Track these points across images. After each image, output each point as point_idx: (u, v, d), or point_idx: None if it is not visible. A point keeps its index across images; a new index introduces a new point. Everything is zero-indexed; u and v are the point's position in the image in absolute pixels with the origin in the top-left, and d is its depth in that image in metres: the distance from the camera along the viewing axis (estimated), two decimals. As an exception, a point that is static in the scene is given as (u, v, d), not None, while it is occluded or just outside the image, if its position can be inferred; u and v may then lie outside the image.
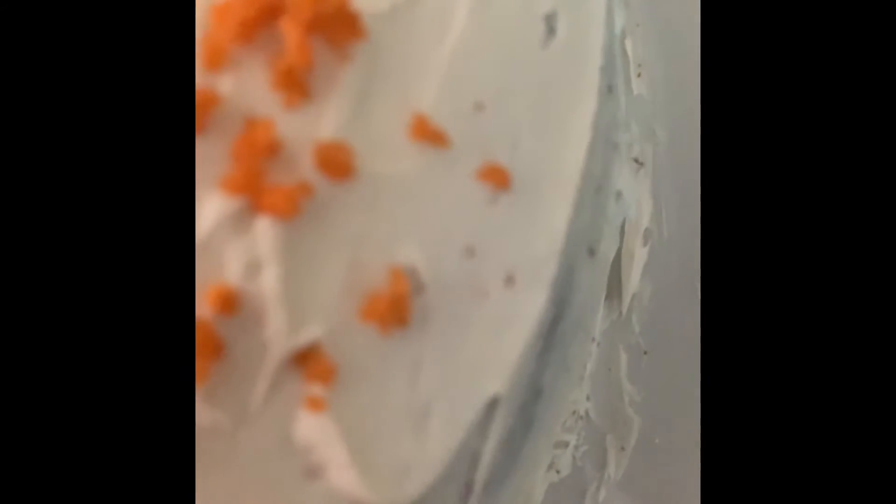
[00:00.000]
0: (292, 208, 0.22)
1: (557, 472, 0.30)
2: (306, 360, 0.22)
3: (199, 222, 0.22)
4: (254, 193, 0.22)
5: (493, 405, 0.24)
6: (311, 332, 0.22)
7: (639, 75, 0.31)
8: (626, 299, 0.31)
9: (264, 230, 0.22)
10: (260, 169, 0.22)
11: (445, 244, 0.23)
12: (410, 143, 0.23)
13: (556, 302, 0.25)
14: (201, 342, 0.21)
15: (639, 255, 0.31)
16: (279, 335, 0.22)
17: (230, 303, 0.22)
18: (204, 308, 0.22)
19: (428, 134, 0.23)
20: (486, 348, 0.24)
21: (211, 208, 0.22)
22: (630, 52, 0.30)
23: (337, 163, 0.23)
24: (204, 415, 0.22)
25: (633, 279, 0.31)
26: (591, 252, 0.27)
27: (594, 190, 0.27)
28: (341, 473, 0.22)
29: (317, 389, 0.22)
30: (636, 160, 0.30)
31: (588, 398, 0.31)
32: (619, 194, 0.29)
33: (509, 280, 0.24)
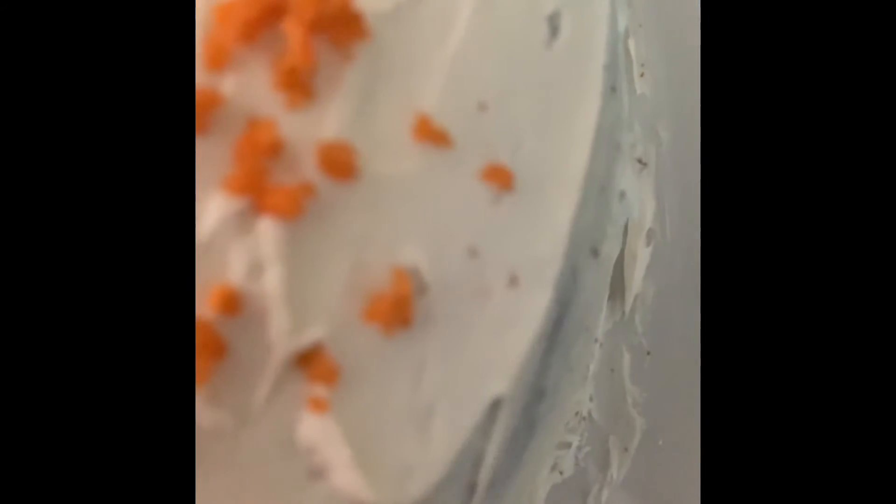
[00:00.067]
0: (295, 209, 0.22)
1: (560, 472, 0.30)
2: (309, 360, 0.22)
3: (201, 222, 0.22)
4: (256, 194, 0.22)
5: (496, 406, 0.24)
6: (313, 333, 0.22)
7: (642, 75, 0.31)
8: (630, 300, 0.31)
9: (267, 230, 0.22)
10: (263, 169, 0.22)
11: (448, 244, 0.23)
12: (414, 143, 0.23)
13: (559, 302, 0.25)
14: (204, 343, 0.21)
15: (642, 256, 0.31)
16: (282, 336, 0.22)
17: (233, 303, 0.22)
18: (206, 308, 0.22)
19: (431, 134, 0.23)
20: (490, 349, 0.24)
21: (213, 208, 0.22)
22: (633, 52, 0.30)
23: (340, 163, 0.23)
24: (206, 415, 0.22)
25: (637, 280, 0.31)
26: (595, 252, 0.27)
27: (597, 190, 0.27)
28: (344, 474, 0.22)
29: (319, 390, 0.22)
30: (639, 160, 0.30)
31: (591, 399, 0.31)
32: (622, 195, 0.29)
33: (512, 280, 0.24)
